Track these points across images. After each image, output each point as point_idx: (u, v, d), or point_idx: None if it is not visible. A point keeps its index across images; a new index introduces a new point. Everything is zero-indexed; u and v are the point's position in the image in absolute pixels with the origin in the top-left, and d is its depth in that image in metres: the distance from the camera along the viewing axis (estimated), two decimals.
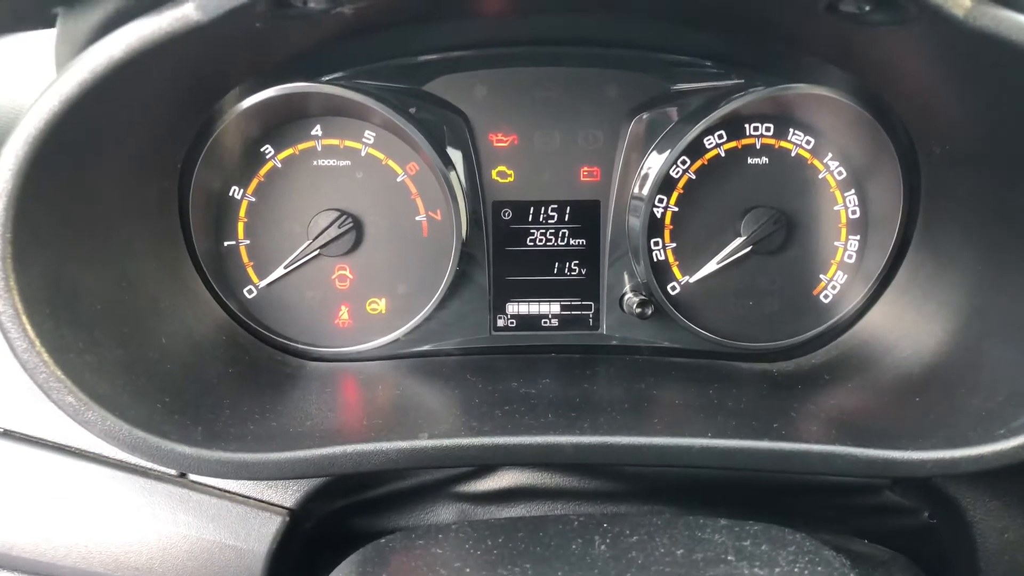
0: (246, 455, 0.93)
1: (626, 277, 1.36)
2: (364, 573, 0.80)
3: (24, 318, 0.88)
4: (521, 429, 1.02)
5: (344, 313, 1.34)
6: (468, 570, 0.74)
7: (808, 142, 1.31)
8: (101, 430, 0.91)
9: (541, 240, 1.36)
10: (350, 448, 0.96)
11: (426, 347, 1.35)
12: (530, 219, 1.35)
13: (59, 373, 0.89)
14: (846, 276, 1.34)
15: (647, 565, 0.73)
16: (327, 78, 1.25)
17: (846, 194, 1.32)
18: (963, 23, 0.85)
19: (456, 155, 1.31)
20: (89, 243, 1.01)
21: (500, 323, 1.37)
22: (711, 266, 1.32)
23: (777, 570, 0.74)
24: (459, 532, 0.83)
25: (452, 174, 1.28)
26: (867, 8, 0.90)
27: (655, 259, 1.32)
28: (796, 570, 0.74)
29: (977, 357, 1.10)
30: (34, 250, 0.90)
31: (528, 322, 1.37)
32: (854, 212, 1.33)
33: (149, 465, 1.08)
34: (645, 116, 1.31)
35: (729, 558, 0.76)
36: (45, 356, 0.89)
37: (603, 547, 0.78)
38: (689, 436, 1.02)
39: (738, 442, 1.02)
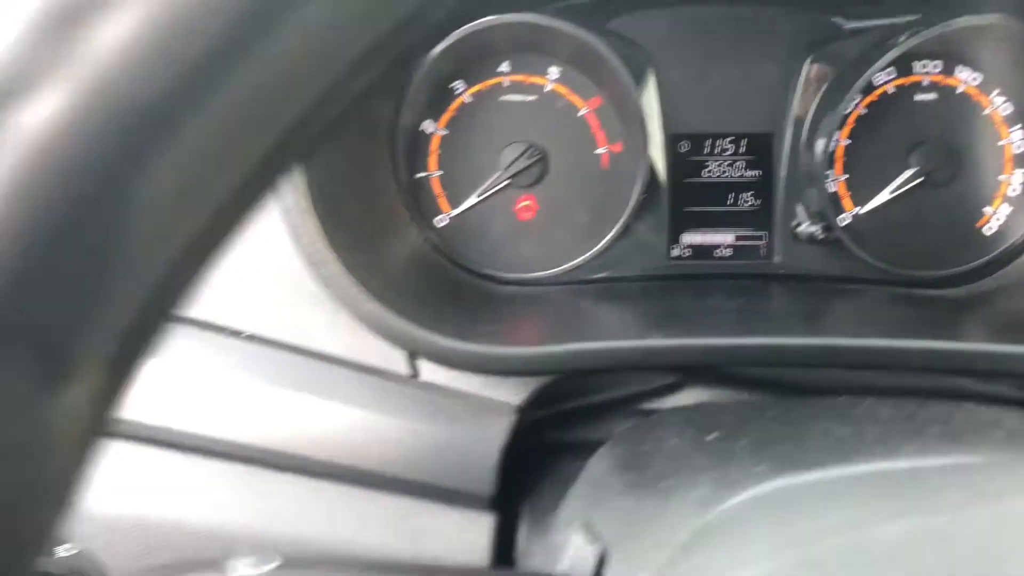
0: (510, 348, 1.01)
1: (799, 208, 1.41)
2: (636, 453, 0.86)
3: (310, 216, 0.96)
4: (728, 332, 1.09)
5: (528, 241, 1.41)
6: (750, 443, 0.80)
7: (975, 78, 1.36)
8: (377, 324, 0.99)
9: (717, 172, 1.41)
10: (594, 345, 1.03)
11: (604, 274, 1.41)
12: (706, 151, 1.41)
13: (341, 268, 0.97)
14: (1012, 208, 1.39)
15: (946, 434, 0.78)
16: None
17: (1012, 129, 1.37)
18: None
19: (639, 90, 1.37)
20: (336, 158, 1.09)
21: (675, 252, 1.43)
22: (883, 196, 1.37)
23: None
24: (724, 411, 0.90)
25: (637, 108, 1.34)
26: None
27: (828, 191, 1.38)
28: None
29: None
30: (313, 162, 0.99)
31: (702, 251, 1.43)
32: (1019, 147, 1.37)
33: (378, 365, 1.15)
34: (820, 54, 1.36)
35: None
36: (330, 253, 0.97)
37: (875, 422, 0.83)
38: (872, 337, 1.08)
39: (925, 343, 1.07)
